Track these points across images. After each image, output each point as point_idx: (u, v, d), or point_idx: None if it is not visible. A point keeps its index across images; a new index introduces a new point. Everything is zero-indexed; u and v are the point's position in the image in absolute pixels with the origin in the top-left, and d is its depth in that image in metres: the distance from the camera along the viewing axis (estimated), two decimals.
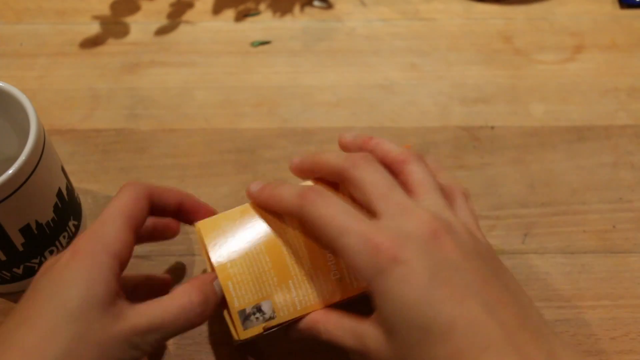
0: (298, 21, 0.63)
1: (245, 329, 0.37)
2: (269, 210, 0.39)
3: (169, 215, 0.41)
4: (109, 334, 0.33)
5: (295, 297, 0.38)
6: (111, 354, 0.33)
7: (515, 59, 0.59)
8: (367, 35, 0.61)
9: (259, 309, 0.37)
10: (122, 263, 0.35)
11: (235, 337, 0.38)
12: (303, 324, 0.38)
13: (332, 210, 0.34)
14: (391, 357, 0.33)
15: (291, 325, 0.38)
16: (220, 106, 0.57)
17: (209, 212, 0.41)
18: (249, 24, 0.63)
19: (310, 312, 0.38)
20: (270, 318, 0.37)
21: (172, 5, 0.64)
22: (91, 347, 0.32)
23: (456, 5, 0.63)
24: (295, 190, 0.36)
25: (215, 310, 0.37)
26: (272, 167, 0.53)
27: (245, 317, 0.37)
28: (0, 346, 0.32)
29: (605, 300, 0.46)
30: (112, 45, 0.61)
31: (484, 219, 0.50)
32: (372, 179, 0.35)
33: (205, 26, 0.62)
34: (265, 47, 0.61)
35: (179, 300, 0.35)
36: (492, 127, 0.55)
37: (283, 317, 0.38)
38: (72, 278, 0.33)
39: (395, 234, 0.33)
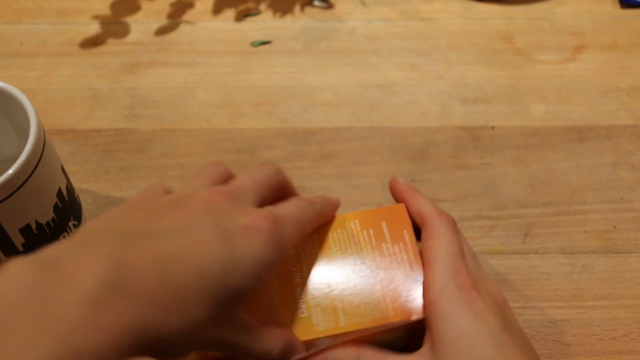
0: (298, 21, 0.63)
1: None
2: None
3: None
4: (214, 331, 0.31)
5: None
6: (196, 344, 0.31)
7: (516, 58, 0.59)
8: (368, 35, 0.61)
9: None
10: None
11: None
12: (335, 352, 0.37)
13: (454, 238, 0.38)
14: None
15: (313, 353, 0.37)
16: (220, 106, 0.57)
17: None
18: (249, 23, 0.63)
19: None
20: None
21: (172, 5, 0.64)
22: (205, 332, 0.30)
23: (456, 5, 0.63)
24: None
25: None
26: None
27: None
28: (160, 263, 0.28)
29: (606, 300, 0.46)
30: (112, 45, 0.61)
31: (484, 219, 0.50)
32: (452, 237, 0.38)
33: (206, 26, 0.62)
34: (266, 47, 0.61)
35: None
36: (493, 127, 0.55)
37: None
38: (245, 255, 0.31)
39: (477, 280, 0.37)
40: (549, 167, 0.53)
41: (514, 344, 0.34)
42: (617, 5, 0.63)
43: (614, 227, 0.50)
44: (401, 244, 0.38)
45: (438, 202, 0.51)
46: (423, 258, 0.38)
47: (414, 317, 0.36)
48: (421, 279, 0.37)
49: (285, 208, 0.35)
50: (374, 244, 0.39)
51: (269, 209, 0.34)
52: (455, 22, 0.62)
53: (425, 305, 0.36)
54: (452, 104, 0.56)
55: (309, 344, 0.36)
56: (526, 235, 0.49)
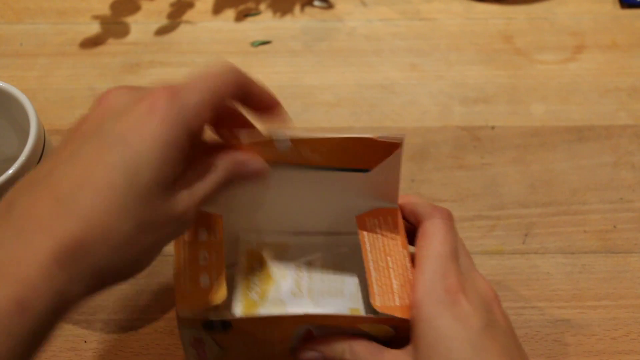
0: (298, 21, 0.63)
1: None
2: None
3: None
4: (169, 217, 0.30)
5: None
6: (165, 238, 0.31)
7: (516, 58, 0.59)
8: (368, 35, 0.61)
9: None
10: (193, 143, 0.31)
11: None
12: (323, 342, 0.38)
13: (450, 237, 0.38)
14: None
15: (305, 344, 0.38)
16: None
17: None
18: (249, 24, 0.63)
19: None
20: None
21: (172, 5, 0.64)
22: (151, 234, 0.30)
23: (456, 5, 0.63)
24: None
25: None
26: None
27: None
28: (61, 205, 0.28)
29: (606, 300, 0.46)
30: (112, 45, 0.61)
31: (484, 219, 0.50)
32: (445, 237, 0.38)
33: (206, 26, 0.62)
34: (266, 47, 0.61)
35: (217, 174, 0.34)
36: (493, 127, 0.55)
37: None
38: (147, 150, 0.29)
39: (466, 280, 0.37)
40: (549, 167, 0.53)
41: (493, 346, 0.34)
42: (617, 5, 0.63)
43: (614, 227, 0.49)
44: (392, 242, 0.39)
45: (438, 202, 0.51)
46: (415, 257, 0.38)
47: (397, 316, 0.36)
48: (410, 278, 0.38)
49: (192, 77, 0.32)
50: (367, 241, 0.39)
51: (172, 83, 0.32)
52: (455, 22, 0.62)
53: (410, 307, 0.36)
54: (452, 104, 0.56)
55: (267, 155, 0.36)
56: (526, 235, 0.49)
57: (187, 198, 0.31)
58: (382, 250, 0.38)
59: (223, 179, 0.33)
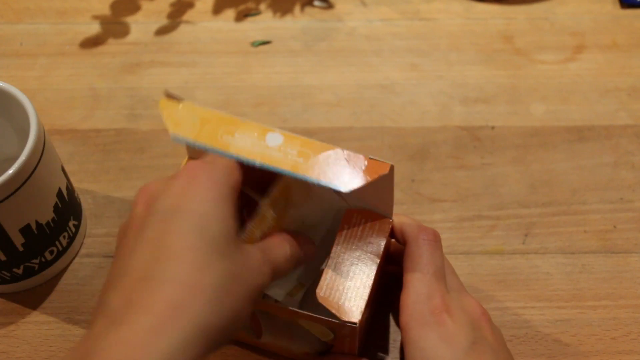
0: (298, 21, 0.62)
1: None
2: None
3: None
4: (246, 266, 0.31)
5: None
6: (252, 288, 0.32)
7: (516, 58, 0.59)
8: (368, 35, 0.61)
9: None
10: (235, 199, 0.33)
11: None
12: None
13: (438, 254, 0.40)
14: None
15: None
16: (220, 106, 0.57)
17: None
18: (249, 23, 0.63)
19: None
20: None
21: (172, 5, 0.64)
22: (238, 284, 0.30)
23: (456, 5, 0.63)
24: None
25: None
26: None
27: None
28: (149, 281, 0.29)
29: (606, 300, 0.46)
30: (112, 45, 0.61)
31: (484, 219, 0.50)
32: (430, 257, 0.39)
33: (206, 26, 0.62)
34: (266, 47, 0.61)
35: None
36: (493, 127, 0.55)
37: None
38: (205, 208, 0.31)
39: (450, 304, 0.37)
40: (549, 167, 0.53)
41: (480, 356, 0.35)
42: (617, 5, 0.63)
43: (614, 227, 0.49)
44: (367, 247, 0.39)
45: (438, 202, 0.51)
46: (403, 277, 0.39)
47: (343, 319, 0.36)
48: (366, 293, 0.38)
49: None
50: (343, 235, 0.39)
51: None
52: (455, 22, 0.62)
53: (400, 329, 0.38)
54: (452, 104, 0.56)
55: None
56: (526, 235, 0.49)
57: (259, 253, 0.33)
58: (353, 249, 0.38)
59: (298, 254, 0.36)
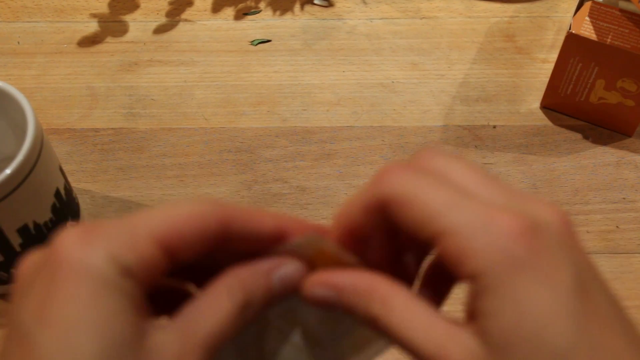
0: (298, 19, 0.62)
1: None
2: None
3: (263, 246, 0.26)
4: None
5: None
6: None
7: (517, 57, 0.59)
8: (368, 33, 0.61)
9: None
10: (144, 283, 0.23)
11: None
12: (339, 277, 0.25)
13: (428, 182, 0.24)
14: None
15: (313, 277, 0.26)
16: (219, 105, 0.56)
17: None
18: (248, 22, 0.62)
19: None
20: None
21: (171, 3, 0.64)
22: None
23: (457, 4, 0.63)
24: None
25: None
26: (272, 166, 0.53)
27: None
28: None
29: None
30: (110, 44, 0.61)
31: None
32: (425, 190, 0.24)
33: (205, 25, 0.62)
34: (265, 45, 0.61)
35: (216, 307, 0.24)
36: (494, 127, 0.55)
37: None
38: (77, 322, 0.21)
39: (525, 216, 0.23)
40: (551, 167, 0.52)
41: (591, 302, 0.23)
42: None
43: (617, 227, 0.49)
44: None
45: None
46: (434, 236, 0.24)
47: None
48: None
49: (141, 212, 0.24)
50: None
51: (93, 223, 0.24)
52: (456, 20, 0.62)
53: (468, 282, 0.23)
54: (453, 103, 0.56)
55: None
56: None
57: (175, 344, 0.23)
58: None
59: (233, 307, 0.24)
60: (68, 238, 0.22)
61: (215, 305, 0.24)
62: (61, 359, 0.21)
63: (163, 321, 0.23)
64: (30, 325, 0.22)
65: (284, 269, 0.25)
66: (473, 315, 0.23)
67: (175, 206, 0.24)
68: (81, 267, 0.22)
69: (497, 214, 0.23)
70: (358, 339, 0.27)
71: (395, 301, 0.24)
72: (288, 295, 0.26)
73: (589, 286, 0.23)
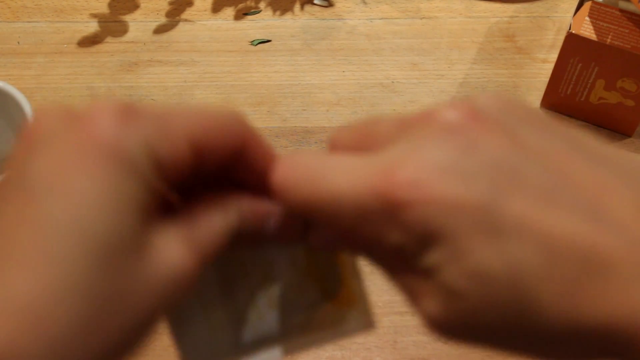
0: (298, 19, 0.62)
1: None
2: None
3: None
4: (149, 284, 0.21)
5: None
6: (158, 298, 0.21)
7: (517, 57, 0.59)
8: (368, 33, 0.61)
9: None
10: (168, 179, 0.22)
11: None
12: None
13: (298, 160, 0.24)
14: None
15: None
16: (219, 105, 0.56)
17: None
18: (248, 22, 0.62)
19: None
20: None
21: (171, 3, 0.64)
22: (122, 311, 0.20)
23: (457, 4, 0.63)
24: None
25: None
26: None
27: None
28: None
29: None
30: (110, 44, 0.61)
31: None
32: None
33: (205, 25, 0.62)
34: (265, 45, 0.60)
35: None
36: None
37: None
38: (94, 199, 0.20)
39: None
40: None
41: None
42: None
43: None
44: None
45: None
46: None
47: None
48: None
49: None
50: None
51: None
52: (456, 20, 0.62)
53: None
54: None
55: None
56: None
57: (183, 251, 0.22)
58: None
59: (228, 227, 0.23)
60: (106, 113, 0.21)
61: (216, 218, 0.23)
62: (67, 227, 0.19)
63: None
64: (37, 185, 0.20)
65: (279, 216, 0.24)
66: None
67: (208, 110, 0.23)
68: (114, 148, 0.20)
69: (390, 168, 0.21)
70: (329, 311, 0.27)
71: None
72: (269, 245, 0.26)
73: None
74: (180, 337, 0.26)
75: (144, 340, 0.21)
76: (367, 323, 0.27)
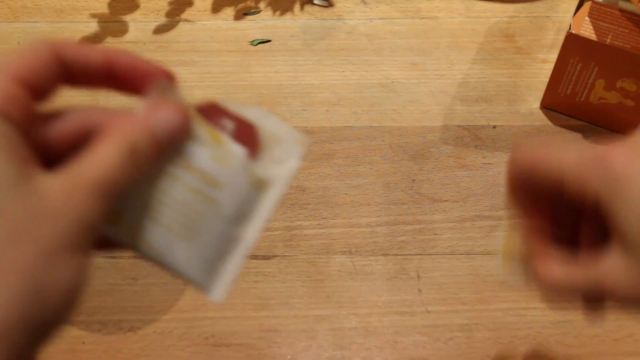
0: (298, 19, 0.62)
1: None
2: None
3: (97, 82, 0.30)
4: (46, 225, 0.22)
5: None
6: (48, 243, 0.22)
7: (517, 57, 0.59)
8: (368, 33, 0.61)
9: None
10: (18, 123, 0.24)
11: None
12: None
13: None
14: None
15: None
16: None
17: (159, 74, 0.29)
18: (248, 22, 0.62)
19: None
20: None
21: (171, 3, 0.64)
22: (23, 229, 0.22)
23: (457, 4, 0.63)
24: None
25: None
26: None
27: None
28: None
29: (609, 301, 0.46)
30: (110, 44, 0.61)
31: (486, 219, 0.50)
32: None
33: (205, 25, 0.62)
34: (265, 45, 0.61)
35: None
36: (494, 127, 0.55)
37: None
38: None
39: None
40: None
41: None
42: None
43: None
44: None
45: (439, 202, 0.51)
46: None
47: None
48: None
49: None
50: None
51: None
52: (456, 20, 0.62)
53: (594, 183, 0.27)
54: (453, 103, 0.56)
55: None
56: None
57: (62, 188, 0.23)
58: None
59: (120, 153, 0.25)
60: None
61: (101, 153, 0.25)
62: None
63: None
64: None
65: (160, 114, 0.28)
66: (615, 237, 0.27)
67: (18, 51, 0.25)
68: None
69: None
70: (254, 176, 0.29)
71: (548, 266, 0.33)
72: (178, 141, 0.27)
73: None
74: (170, 265, 0.27)
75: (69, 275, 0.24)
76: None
